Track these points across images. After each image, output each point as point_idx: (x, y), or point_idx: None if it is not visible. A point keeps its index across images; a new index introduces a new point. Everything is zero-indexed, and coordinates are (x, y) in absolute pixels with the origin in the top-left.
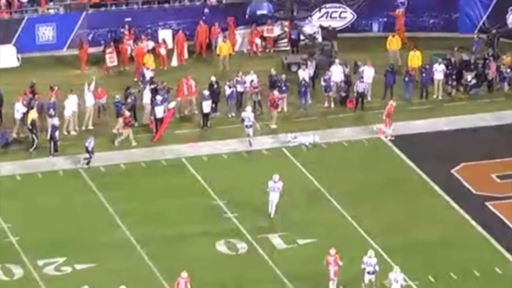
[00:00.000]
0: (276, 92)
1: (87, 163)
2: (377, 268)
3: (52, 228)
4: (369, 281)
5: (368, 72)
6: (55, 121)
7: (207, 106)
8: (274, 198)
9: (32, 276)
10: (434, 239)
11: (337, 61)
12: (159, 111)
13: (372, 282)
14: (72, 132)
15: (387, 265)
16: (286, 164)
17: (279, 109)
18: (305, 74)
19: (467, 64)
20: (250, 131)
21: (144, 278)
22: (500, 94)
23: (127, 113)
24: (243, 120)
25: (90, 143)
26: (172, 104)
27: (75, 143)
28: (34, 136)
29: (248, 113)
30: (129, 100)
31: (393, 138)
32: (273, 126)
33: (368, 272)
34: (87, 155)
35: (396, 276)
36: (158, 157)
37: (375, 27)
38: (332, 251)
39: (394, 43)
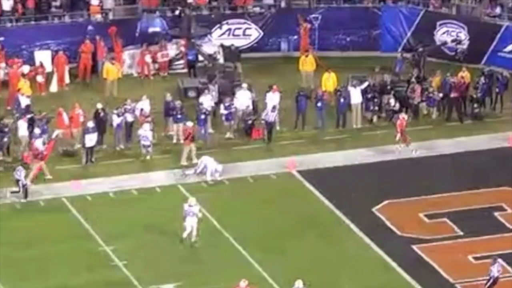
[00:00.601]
0: (190, 123)
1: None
2: None
3: None
4: None
5: (274, 98)
6: None
7: (90, 140)
8: (191, 223)
9: None
10: (354, 287)
11: (244, 85)
12: (38, 145)
13: None
14: None
15: None
16: (182, 204)
17: (174, 141)
18: (205, 100)
19: (390, 86)
20: (148, 152)
21: None
22: (427, 121)
23: None
24: (139, 139)
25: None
26: (53, 135)
27: None
28: None
29: (146, 132)
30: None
31: (417, 154)
32: (183, 162)
33: None
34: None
35: None
36: (35, 196)
37: (284, 45)
38: (243, 283)
39: (307, 63)
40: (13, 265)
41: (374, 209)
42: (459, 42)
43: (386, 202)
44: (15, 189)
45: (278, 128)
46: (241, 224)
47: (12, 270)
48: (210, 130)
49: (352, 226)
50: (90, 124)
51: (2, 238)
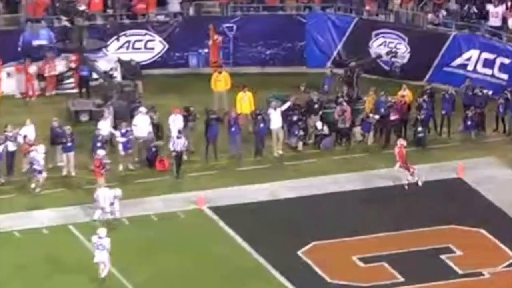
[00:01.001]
0: (101, 152)
1: None
2: None
3: None
4: None
5: (177, 122)
6: None
7: None
8: (101, 259)
9: None
10: None
11: (142, 109)
12: None
13: None
14: None
15: None
16: (73, 246)
17: (64, 173)
18: (105, 125)
19: (317, 107)
20: (39, 181)
21: None
22: (362, 148)
23: None
24: (31, 164)
25: None
26: None
27: None
28: None
29: (39, 155)
30: None
31: (421, 183)
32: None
33: None
34: None
35: None
36: None
37: (193, 60)
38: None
39: (220, 81)
40: None
41: (299, 252)
42: (394, 54)
43: (313, 243)
44: None
45: (185, 157)
46: (142, 269)
47: None
48: (107, 161)
49: (274, 271)
50: None
51: None
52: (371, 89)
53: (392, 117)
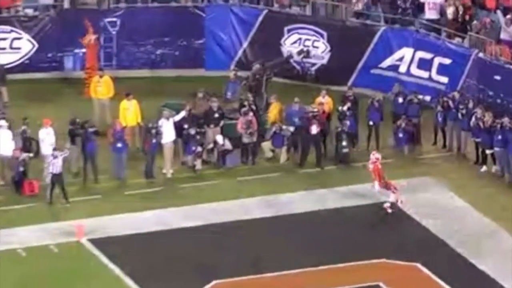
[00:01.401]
0: None
1: None
2: None
3: None
4: None
5: (49, 136)
6: None
7: None
8: None
9: None
10: None
11: (3, 123)
12: None
13: None
14: None
15: None
16: None
17: None
18: None
19: (218, 118)
20: None
21: None
22: (272, 167)
23: None
24: None
25: None
26: None
27: None
28: None
29: None
30: None
31: (402, 204)
32: None
33: None
34: None
35: None
36: None
37: (68, 63)
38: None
39: (101, 88)
40: None
41: None
42: (306, 54)
43: (214, 282)
44: None
45: (47, 181)
46: None
47: None
48: None
49: None
50: None
51: None
52: (272, 96)
53: (314, 131)
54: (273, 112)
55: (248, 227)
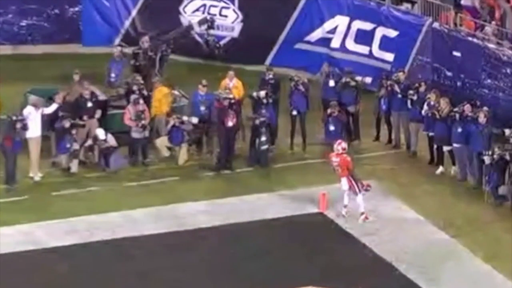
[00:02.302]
0: None
1: None
2: None
3: None
4: None
5: None
6: None
7: None
8: None
9: None
10: None
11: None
12: None
13: None
14: None
15: None
16: None
17: None
18: None
19: (92, 106)
20: None
21: None
22: (171, 169)
23: None
24: None
25: None
26: None
27: None
28: None
29: None
30: None
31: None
32: None
33: None
34: None
35: None
36: None
37: None
38: None
39: None
40: None
41: None
42: (210, 24)
43: None
44: None
45: None
46: None
47: None
48: None
49: None
50: None
51: None
52: (156, 79)
53: (230, 123)
54: (159, 97)
55: (135, 245)
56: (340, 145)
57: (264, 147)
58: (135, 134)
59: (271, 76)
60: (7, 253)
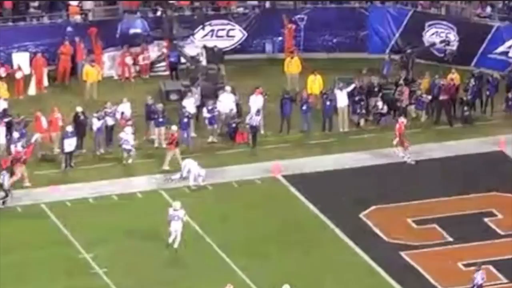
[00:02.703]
0: (174, 127)
1: (3, 203)
2: None
3: None
4: None
5: (258, 101)
6: None
7: (69, 145)
8: (176, 228)
9: None
10: None
11: (227, 88)
12: (18, 149)
13: None
14: None
15: None
16: (164, 210)
17: (155, 145)
18: (188, 103)
19: (377, 89)
20: (130, 155)
21: None
22: (416, 125)
23: None
24: (120, 143)
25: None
26: (32, 139)
27: None
28: None
29: (127, 135)
30: None
31: (413, 162)
32: (166, 167)
33: None
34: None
35: None
36: (12, 202)
37: (268, 47)
38: None
39: (292, 65)
40: None
41: (361, 215)
42: (447, 43)
43: (373, 207)
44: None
45: (262, 132)
46: (224, 230)
47: None
48: (193, 134)
49: (338, 231)
50: (69, 128)
51: None
52: (427, 73)
53: (442, 98)
54: (425, 83)
55: (398, 168)
56: (400, 119)
57: (467, 113)
58: (398, 104)
59: (476, 72)
60: (320, 171)
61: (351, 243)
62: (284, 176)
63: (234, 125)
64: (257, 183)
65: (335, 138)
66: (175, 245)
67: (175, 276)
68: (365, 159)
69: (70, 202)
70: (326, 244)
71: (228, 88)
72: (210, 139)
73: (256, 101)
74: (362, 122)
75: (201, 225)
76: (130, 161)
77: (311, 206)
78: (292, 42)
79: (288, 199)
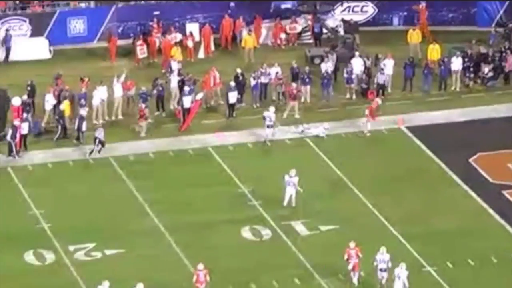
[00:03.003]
0: (294, 84)
1: (99, 151)
2: (389, 264)
3: (82, 215)
4: (382, 278)
5: (389, 64)
6: (83, 111)
7: (233, 96)
8: (290, 192)
9: (63, 261)
10: (452, 227)
11: (357, 53)
12: (187, 101)
13: (385, 279)
14: (101, 121)
15: (407, 252)
16: (309, 154)
17: (302, 100)
18: (327, 66)
19: (485, 57)
20: (270, 132)
21: (171, 265)
22: None
23: (143, 106)
24: (264, 118)
25: (100, 133)
26: (199, 96)
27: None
28: (60, 126)
29: (270, 113)
30: (155, 91)
31: (368, 134)
32: (297, 116)
33: (381, 269)
34: (96, 146)
35: (400, 272)
36: (185, 146)
37: (395, 20)
38: (352, 244)
39: (414, 36)
40: (166, 201)
41: (470, 160)
42: None
43: (480, 154)
44: (95, 146)
45: (389, 90)
46: (358, 172)
47: (164, 205)
48: (332, 92)
49: (451, 173)
50: (232, 83)
51: (158, 182)
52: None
53: None
54: None
55: (500, 122)
56: (376, 99)
57: None
58: (506, 70)
59: None
60: (437, 124)
61: (462, 185)
62: (407, 127)
63: (365, 85)
64: (384, 133)
65: (449, 96)
66: (293, 204)
67: (314, 209)
68: (473, 114)
69: (232, 146)
70: (442, 186)
71: (357, 53)
72: (347, 96)
73: (386, 64)
74: (471, 84)
75: (340, 167)
76: (270, 134)
77: (430, 153)
78: (425, 17)
79: (410, 147)
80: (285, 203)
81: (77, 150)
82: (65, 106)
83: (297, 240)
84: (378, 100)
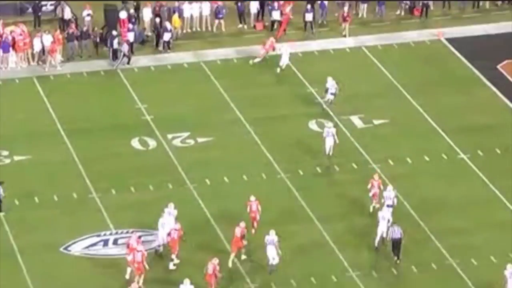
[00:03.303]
0: (345, 8)
1: (128, 62)
2: (395, 201)
3: (179, 109)
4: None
5: None
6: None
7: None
8: (329, 144)
9: (163, 147)
10: (483, 122)
11: None
12: (276, 15)
13: (390, 214)
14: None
15: (442, 141)
16: (365, 61)
17: (359, 16)
18: None
19: None
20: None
21: (250, 149)
22: None
23: None
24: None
25: (125, 48)
26: (288, 8)
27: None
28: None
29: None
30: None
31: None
32: (347, 36)
33: (388, 205)
34: (121, 59)
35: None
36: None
37: None
38: (376, 176)
39: None
40: (247, 97)
41: (498, 66)
42: None
43: (506, 61)
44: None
45: (431, 8)
46: (405, 76)
47: (245, 102)
48: (384, 10)
49: (482, 77)
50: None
51: (242, 82)
52: None
53: None
54: None
55: None
56: (271, 38)
57: None
58: None
59: None
60: (471, 36)
61: (492, 87)
62: (446, 39)
63: (412, 2)
64: (427, 43)
65: (482, 13)
66: (331, 153)
67: (369, 106)
68: (502, 27)
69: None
70: (475, 88)
71: None
72: (397, 12)
73: None
74: (499, 3)
75: (390, 72)
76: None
77: (464, 60)
78: None
79: (448, 55)
80: (327, 151)
81: (173, 55)
82: (174, 20)
83: (354, 132)
84: (273, 40)
